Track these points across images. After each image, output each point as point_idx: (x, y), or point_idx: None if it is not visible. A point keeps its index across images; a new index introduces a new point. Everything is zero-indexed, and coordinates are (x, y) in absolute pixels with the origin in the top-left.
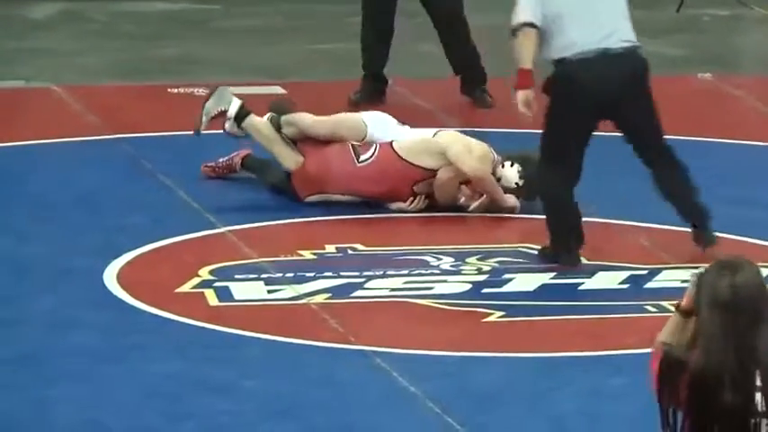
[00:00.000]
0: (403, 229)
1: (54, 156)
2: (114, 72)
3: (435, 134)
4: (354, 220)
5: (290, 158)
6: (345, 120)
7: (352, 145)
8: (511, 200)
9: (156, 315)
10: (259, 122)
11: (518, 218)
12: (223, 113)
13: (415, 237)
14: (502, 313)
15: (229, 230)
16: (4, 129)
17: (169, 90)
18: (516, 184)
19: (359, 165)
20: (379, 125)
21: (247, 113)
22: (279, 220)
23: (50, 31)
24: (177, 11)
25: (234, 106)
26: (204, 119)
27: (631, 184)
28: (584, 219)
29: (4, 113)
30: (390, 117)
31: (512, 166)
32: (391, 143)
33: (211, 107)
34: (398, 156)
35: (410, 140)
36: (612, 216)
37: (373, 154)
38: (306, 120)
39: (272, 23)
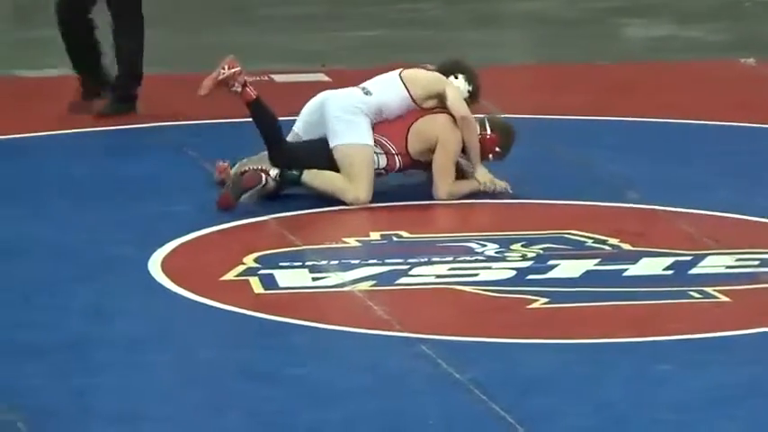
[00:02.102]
0: (447, 216)
1: (97, 144)
2: (157, 60)
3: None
4: (399, 207)
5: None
6: (361, 166)
7: (384, 168)
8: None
9: (201, 303)
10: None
11: (561, 204)
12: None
13: (460, 223)
14: (546, 300)
15: (274, 218)
16: (46, 117)
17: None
18: (468, 91)
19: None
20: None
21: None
22: (323, 207)
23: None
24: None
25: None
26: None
27: (675, 170)
28: (628, 204)
29: (46, 101)
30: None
31: (456, 78)
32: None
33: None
34: (412, 156)
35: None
36: (656, 202)
37: (398, 161)
38: (346, 194)
39: (313, 10)
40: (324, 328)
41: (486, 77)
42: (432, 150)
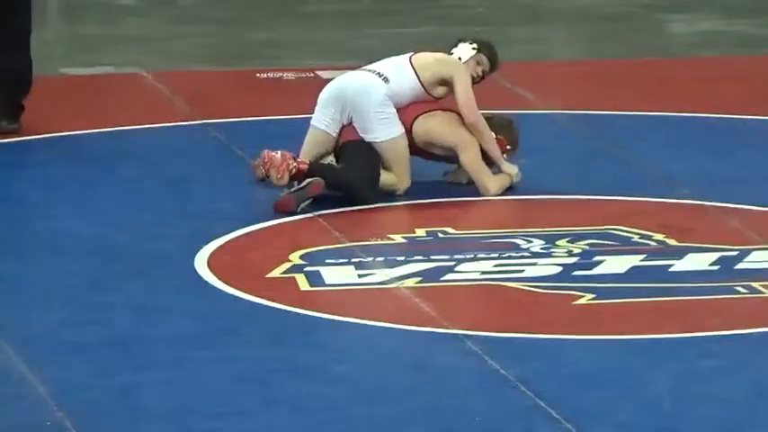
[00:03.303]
0: (493, 212)
1: (143, 142)
2: (203, 57)
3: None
4: (444, 203)
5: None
6: (400, 159)
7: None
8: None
9: (247, 300)
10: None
11: (607, 200)
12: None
13: (505, 220)
14: (592, 296)
15: (319, 215)
16: (93, 115)
17: (258, 75)
18: (474, 48)
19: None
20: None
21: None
22: (369, 204)
23: (139, 17)
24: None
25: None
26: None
27: (721, 165)
28: (674, 200)
29: (93, 100)
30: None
31: (456, 46)
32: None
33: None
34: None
35: (423, 127)
36: (703, 197)
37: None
38: (397, 186)
39: (360, 7)
40: (370, 325)
41: (533, 73)
42: (436, 145)
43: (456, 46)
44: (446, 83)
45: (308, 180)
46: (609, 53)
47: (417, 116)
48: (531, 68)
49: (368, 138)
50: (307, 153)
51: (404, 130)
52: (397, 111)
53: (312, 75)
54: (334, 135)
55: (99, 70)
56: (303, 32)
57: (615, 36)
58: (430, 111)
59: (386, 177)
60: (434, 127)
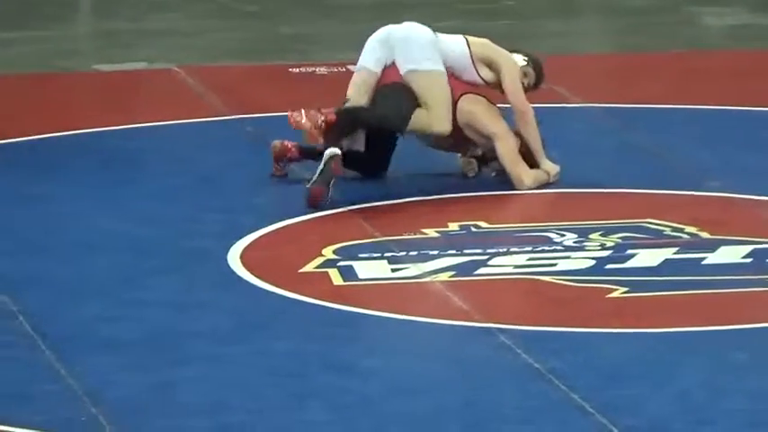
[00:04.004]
0: (525, 206)
1: (176, 137)
2: (235, 52)
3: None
4: (477, 197)
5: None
6: (440, 98)
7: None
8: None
9: (281, 295)
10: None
11: (639, 193)
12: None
13: (538, 213)
14: (625, 289)
15: (352, 209)
16: (126, 110)
17: (290, 70)
18: (525, 73)
19: None
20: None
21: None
22: (402, 198)
23: (171, 11)
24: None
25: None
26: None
27: (752, 158)
28: (706, 192)
29: (126, 95)
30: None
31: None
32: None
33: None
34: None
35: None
36: (735, 190)
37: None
38: (432, 126)
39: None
40: (403, 320)
41: (564, 66)
42: (475, 129)
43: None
44: (493, 69)
45: (324, 159)
46: (640, 46)
47: (466, 93)
48: (563, 62)
49: (409, 66)
50: (353, 95)
51: (446, 74)
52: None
53: (344, 69)
54: (379, 73)
55: (131, 66)
56: (334, 26)
57: (646, 29)
58: (479, 94)
59: (420, 115)
60: (479, 111)
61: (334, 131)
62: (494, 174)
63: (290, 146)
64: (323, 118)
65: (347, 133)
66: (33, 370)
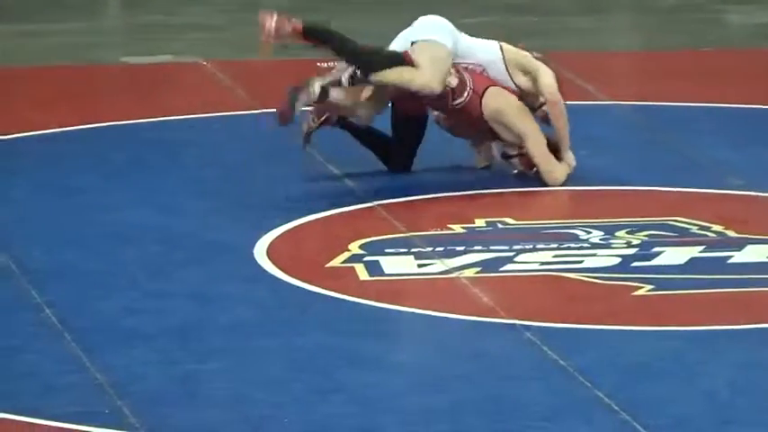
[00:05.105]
0: (552, 203)
1: (204, 130)
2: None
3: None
4: (504, 193)
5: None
6: (434, 56)
7: (452, 89)
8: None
9: (307, 290)
10: (342, 97)
11: (666, 191)
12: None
13: (565, 210)
14: (651, 287)
15: (379, 204)
16: (155, 103)
17: (318, 64)
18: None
19: (451, 105)
20: (448, 35)
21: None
22: (428, 194)
23: (200, 5)
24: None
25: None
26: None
27: None
28: (732, 191)
29: (154, 88)
30: (444, 20)
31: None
32: (482, 93)
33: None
34: (481, 113)
35: (498, 101)
36: (760, 188)
37: (466, 98)
38: (422, 85)
39: None
40: (429, 315)
41: (591, 63)
42: (505, 125)
43: None
44: (528, 75)
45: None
46: (668, 44)
47: (491, 86)
48: (591, 59)
49: (414, 38)
50: None
51: (449, 46)
52: (467, 75)
53: None
54: None
55: (159, 59)
56: (362, 21)
57: (674, 26)
58: (505, 88)
59: (403, 70)
60: (509, 108)
61: (312, 33)
62: (515, 171)
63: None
64: (290, 27)
65: (321, 39)
66: (59, 362)
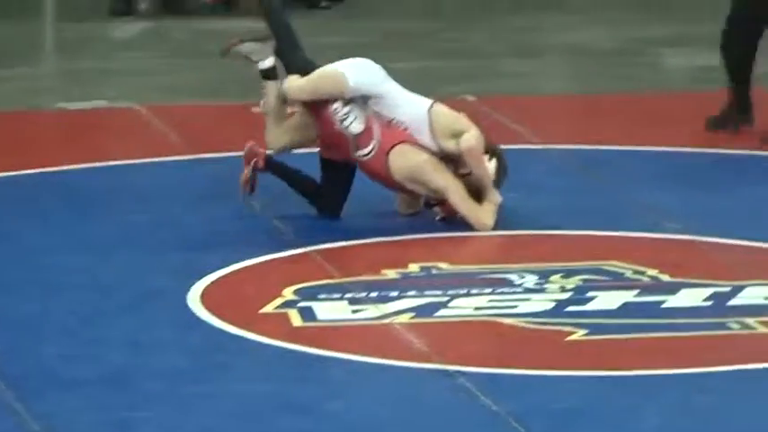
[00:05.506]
0: (486, 247)
1: (137, 176)
2: (197, 91)
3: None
4: (438, 238)
5: (274, 136)
6: (323, 74)
7: (354, 135)
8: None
9: (240, 336)
10: (273, 92)
11: (600, 235)
12: (253, 62)
13: (499, 255)
14: (585, 331)
15: (313, 250)
16: (87, 149)
17: (252, 109)
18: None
19: (355, 156)
20: (362, 75)
21: (273, 77)
22: (362, 239)
23: (134, 50)
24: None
25: (267, 64)
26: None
27: (712, 200)
28: (666, 235)
29: (87, 133)
30: (374, 65)
31: (489, 160)
32: (388, 151)
33: (248, 52)
34: (389, 171)
35: (406, 161)
36: (695, 233)
37: (371, 151)
38: (291, 89)
39: (359, 41)
40: (363, 361)
41: (525, 107)
42: (420, 183)
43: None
44: (457, 137)
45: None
46: (604, 87)
47: (399, 143)
48: (524, 102)
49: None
50: None
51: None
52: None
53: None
54: None
55: (95, 104)
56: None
57: (611, 70)
58: (406, 142)
59: (293, 79)
60: (419, 166)
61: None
62: (438, 218)
63: (260, 151)
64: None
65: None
66: None
